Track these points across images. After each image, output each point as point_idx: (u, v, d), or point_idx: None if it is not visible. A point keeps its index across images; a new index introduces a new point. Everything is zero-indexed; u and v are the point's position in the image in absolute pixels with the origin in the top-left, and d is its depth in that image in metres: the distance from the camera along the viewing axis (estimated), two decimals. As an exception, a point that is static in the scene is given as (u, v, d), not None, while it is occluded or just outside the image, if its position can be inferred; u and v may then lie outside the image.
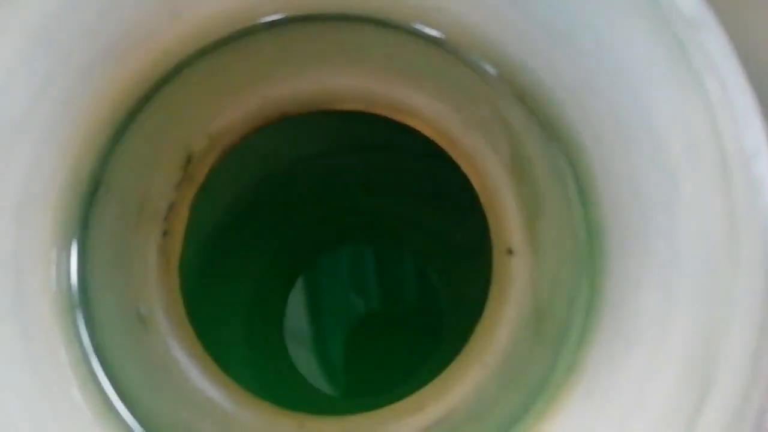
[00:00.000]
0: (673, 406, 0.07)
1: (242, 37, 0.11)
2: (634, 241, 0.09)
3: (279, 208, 0.14)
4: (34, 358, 0.09)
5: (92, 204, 0.10)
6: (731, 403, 0.07)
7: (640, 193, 0.09)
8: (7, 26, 0.08)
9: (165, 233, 0.11)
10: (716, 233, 0.08)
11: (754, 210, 0.08)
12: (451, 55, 0.11)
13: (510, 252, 0.11)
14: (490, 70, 0.11)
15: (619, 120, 0.09)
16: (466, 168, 0.12)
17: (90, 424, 0.10)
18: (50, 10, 0.08)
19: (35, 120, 0.09)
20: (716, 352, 0.07)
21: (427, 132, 0.12)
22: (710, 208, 0.08)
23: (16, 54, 0.08)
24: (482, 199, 0.12)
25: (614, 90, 0.09)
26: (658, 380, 0.08)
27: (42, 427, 0.09)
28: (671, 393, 0.08)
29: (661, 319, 0.08)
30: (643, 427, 0.08)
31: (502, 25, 0.10)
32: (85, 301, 0.10)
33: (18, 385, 0.09)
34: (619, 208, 0.09)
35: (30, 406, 0.09)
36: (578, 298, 0.09)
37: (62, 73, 0.09)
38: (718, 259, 0.08)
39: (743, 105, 0.08)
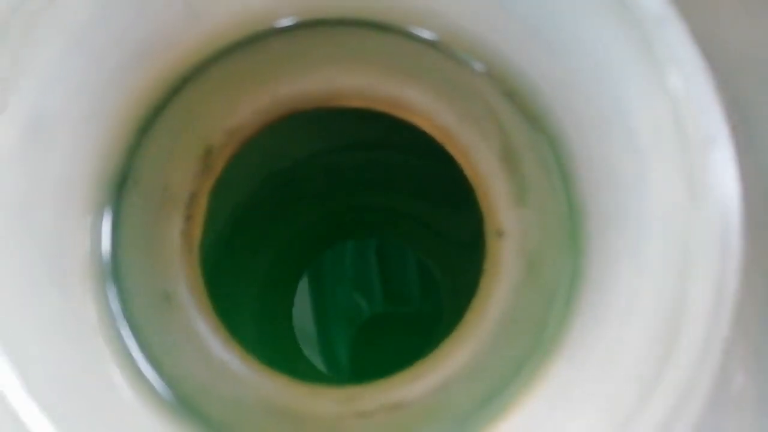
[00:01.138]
0: (643, 360, 0.08)
1: (256, 40, 0.12)
2: (610, 220, 0.10)
3: (289, 197, 0.15)
4: (69, 321, 0.10)
5: (122, 191, 0.12)
6: (693, 358, 0.08)
7: (614, 177, 0.10)
8: (49, 34, 0.09)
9: (187, 219, 0.12)
10: (679, 211, 0.09)
11: (711, 190, 0.09)
12: (445, 56, 0.12)
13: (500, 234, 0.12)
14: (481, 68, 0.12)
15: (595, 111, 0.10)
16: (460, 159, 0.13)
17: (117, 382, 0.11)
18: (86, 19, 0.09)
19: (73, 114, 0.10)
20: (679, 315, 0.08)
21: (425, 127, 0.13)
22: (674, 188, 0.09)
23: (59, 57, 0.09)
24: (475, 187, 0.13)
25: (591, 84, 0.10)
26: (631, 341, 0.09)
27: (73, 381, 0.10)
28: (642, 350, 0.09)
29: (633, 288, 0.09)
30: (618, 378, 0.09)
31: (491, 28, 0.11)
32: (116, 276, 0.11)
33: (54, 343, 0.10)
34: (596, 191, 0.10)
35: (63, 363, 0.10)
36: (562, 272, 0.10)
37: (96, 74, 0.10)
38: (680, 234, 0.09)
39: (703, 96, 0.09)
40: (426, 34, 0.11)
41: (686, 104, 0.09)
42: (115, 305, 0.11)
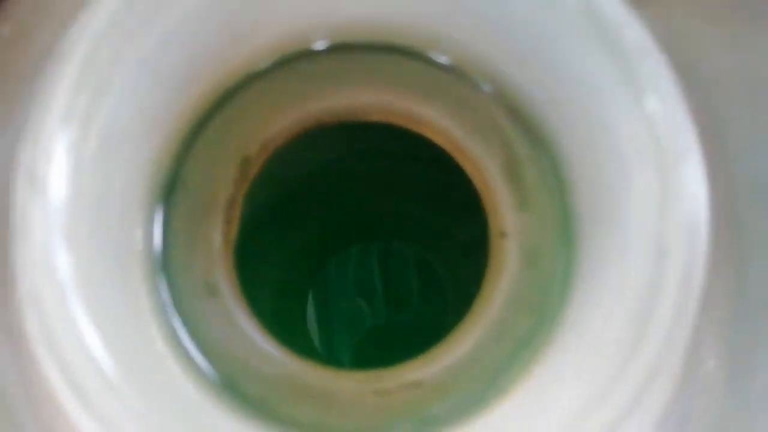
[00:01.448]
0: (622, 341, 0.10)
1: (290, 62, 0.14)
2: (598, 221, 0.11)
3: (312, 202, 0.17)
4: (129, 308, 0.12)
5: (171, 194, 0.13)
6: (663, 338, 0.10)
7: (602, 185, 0.11)
8: (126, 60, 0.10)
9: (226, 220, 0.14)
10: (655, 214, 0.10)
11: (682, 197, 0.10)
12: (457, 77, 0.13)
13: (503, 235, 0.14)
14: (488, 88, 0.13)
15: (585, 129, 0.11)
16: (469, 170, 0.14)
17: (169, 364, 0.12)
18: (154, 47, 0.11)
19: (137, 127, 0.12)
20: (653, 301, 0.10)
21: (438, 140, 0.15)
22: (651, 195, 0.10)
23: (132, 80, 0.11)
24: (482, 194, 0.14)
25: (582, 105, 0.11)
26: (613, 324, 0.10)
27: (133, 360, 0.12)
28: (622, 332, 0.10)
29: (617, 279, 0.11)
30: (602, 356, 0.10)
31: (498, 55, 0.13)
32: (165, 269, 0.13)
33: (119, 325, 0.11)
34: (587, 197, 0.12)
35: (125, 345, 0.12)
36: (557, 266, 0.12)
37: (157, 93, 0.12)
38: (655, 233, 0.10)
39: (677, 117, 0.11)
40: (441, 58, 0.13)
41: (662, 124, 0.11)
42: (165, 295, 0.13)
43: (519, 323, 0.12)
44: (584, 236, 0.12)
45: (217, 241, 0.14)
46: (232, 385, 0.13)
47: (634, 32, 0.11)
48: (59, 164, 0.10)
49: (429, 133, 0.14)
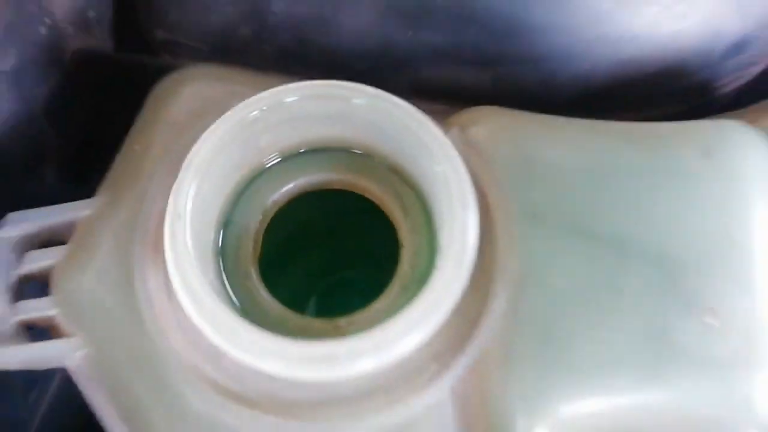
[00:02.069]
0: (450, 280, 0.21)
1: (286, 159, 0.26)
2: (444, 231, 0.23)
3: (301, 233, 0.29)
4: (208, 270, 0.23)
5: (227, 226, 0.25)
6: (464, 280, 0.21)
7: (442, 212, 0.23)
8: (209, 162, 0.23)
9: (254, 242, 0.26)
10: (458, 221, 0.22)
11: (467, 220, 0.22)
12: (371, 160, 0.25)
13: (402, 245, 0.25)
14: (386, 165, 0.25)
15: (431, 180, 0.23)
16: (385, 210, 0.26)
17: (222, 303, 0.23)
18: (220, 155, 0.23)
19: (213, 192, 0.24)
20: (460, 266, 0.21)
21: (369, 196, 0.27)
22: (454, 213, 0.22)
23: (210, 171, 0.23)
24: (393, 223, 0.26)
25: (430, 165, 0.23)
26: (446, 277, 0.22)
27: (209, 291, 0.23)
28: (448, 271, 0.22)
29: (449, 252, 0.22)
30: (443, 290, 0.21)
31: (390, 148, 0.25)
32: (224, 261, 0.25)
33: (204, 276, 0.23)
34: (436, 212, 0.24)
35: (206, 284, 0.23)
36: (428, 250, 0.24)
37: (221, 178, 0.24)
38: (460, 230, 0.22)
39: (462, 175, 0.23)
40: (359, 151, 0.26)
41: (455, 183, 0.22)
42: (223, 274, 0.25)
43: (415, 274, 0.23)
44: (440, 234, 0.23)
45: (249, 251, 0.25)
46: (253, 318, 0.24)
47: (437, 135, 0.23)
48: (186, 209, 0.22)
49: (363, 192, 0.26)
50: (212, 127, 0.22)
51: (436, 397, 0.23)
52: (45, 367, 0.27)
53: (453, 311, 0.24)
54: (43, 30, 0.34)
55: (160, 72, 0.31)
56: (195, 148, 0.22)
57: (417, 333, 0.21)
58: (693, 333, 0.23)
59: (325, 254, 0.30)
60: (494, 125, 0.26)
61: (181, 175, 0.21)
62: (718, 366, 0.23)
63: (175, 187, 0.21)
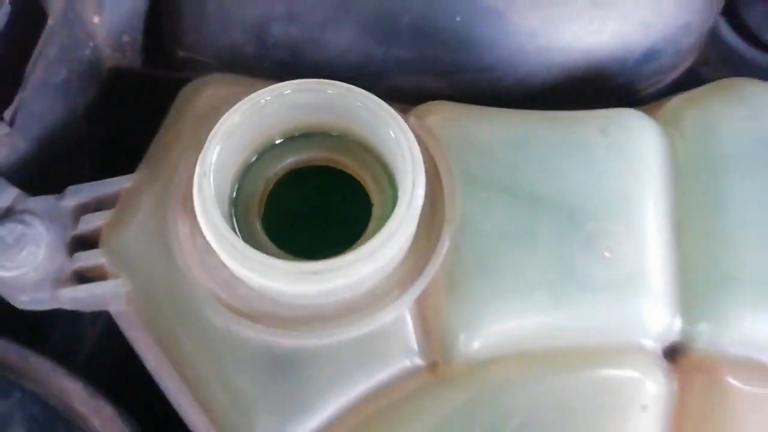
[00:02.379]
0: (402, 220, 0.29)
1: (285, 141, 0.34)
2: (401, 182, 0.31)
3: (296, 196, 0.36)
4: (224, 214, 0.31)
5: (239, 191, 0.32)
6: (413, 224, 0.28)
7: (399, 170, 0.31)
8: (226, 141, 0.30)
9: (259, 202, 0.33)
10: (408, 183, 0.29)
11: (417, 184, 0.29)
12: (348, 141, 0.33)
13: (373, 204, 0.33)
14: (357, 142, 0.33)
15: (391, 147, 0.31)
16: (360, 179, 0.34)
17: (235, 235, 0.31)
18: (234, 136, 0.31)
19: (224, 169, 0.31)
20: (410, 212, 0.29)
21: (347, 169, 0.34)
22: (407, 176, 0.30)
23: (226, 146, 0.30)
24: (366, 188, 0.34)
25: (388, 136, 0.31)
26: (398, 218, 0.29)
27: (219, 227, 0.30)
28: (401, 206, 0.29)
29: (402, 209, 0.30)
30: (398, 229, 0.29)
31: (364, 131, 0.33)
32: (236, 211, 0.32)
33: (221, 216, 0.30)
34: (398, 176, 0.31)
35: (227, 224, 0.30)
36: (391, 202, 0.31)
37: (233, 153, 0.31)
38: (410, 189, 0.29)
39: (413, 147, 0.30)
40: (336, 133, 0.33)
41: (406, 145, 0.30)
42: (235, 226, 0.32)
43: (383, 220, 0.31)
44: (399, 195, 0.31)
45: (255, 209, 0.33)
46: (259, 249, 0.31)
47: (392, 113, 0.30)
48: (210, 168, 0.30)
49: (343, 167, 0.34)
50: (230, 110, 0.30)
51: (398, 314, 0.31)
52: (93, 308, 0.34)
53: (410, 249, 0.31)
54: (87, 51, 0.42)
55: (180, 84, 0.39)
56: (216, 126, 0.29)
57: (376, 259, 0.28)
58: (594, 264, 0.31)
59: (317, 222, 0.38)
60: (442, 114, 0.34)
61: (206, 145, 0.29)
62: (614, 288, 0.31)
63: (201, 153, 0.29)
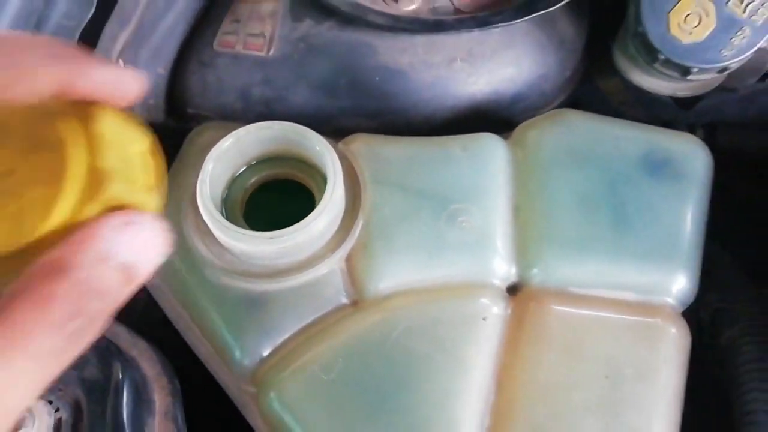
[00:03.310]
0: (328, 200, 0.45)
1: (261, 162, 0.51)
2: (327, 185, 0.47)
3: (267, 200, 0.53)
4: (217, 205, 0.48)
5: (228, 195, 0.49)
6: (340, 205, 0.45)
7: (328, 180, 0.47)
8: (217, 160, 0.47)
9: (242, 203, 0.50)
10: (332, 185, 0.46)
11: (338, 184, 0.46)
12: (298, 160, 0.50)
13: (316, 201, 0.50)
14: (304, 161, 0.50)
15: (322, 161, 0.48)
16: (307, 186, 0.51)
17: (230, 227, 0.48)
18: (226, 155, 0.48)
19: (219, 177, 0.48)
20: (334, 195, 0.45)
21: (300, 180, 0.51)
22: (330, 176, 0.46)
23: (218, 164, 0.47)
24: (313, 192, 0.50)
25: (321, 154, 0.48)
26: (327, 197, 0.46)
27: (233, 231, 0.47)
28: (332, 201, 0.46)
29: (329, 192, 0.47)
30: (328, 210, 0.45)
31: (306, 152, 0.50)
32: (225, 206, 0.49)
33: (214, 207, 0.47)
34: (327, 182, 0.48)
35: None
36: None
37: (223, 170, 0.49)
38: (332, 181, 0.46)
39: (336, 165, 0.47)
40: (294, 156, 0.50)
41: (329, 158, 0.47)
42: (223, 208, 0.49)
43: (340, 204, 0.48)
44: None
45: (237, 210, 0.50)
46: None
47: (321, 139, 0.47)
48: (207, 177, 0.47)
49: (297, 178, 0.51)
50: (220, 142, 0.47)
51: (331, 268, 0.47)
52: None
53: (339, 227, 0.48)
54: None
55: (189, 131, 0.56)
56: (211, 152, 0.46)
57: (309, 229, 0.44)
58: (455, 232, 0.47)
59: (280, 215, 0.55)
60: (361, 141, 0.51)
61: (204, 164, 0.46)
62: (469, 247, 0.47)
63: (201, 169, 0.46)
